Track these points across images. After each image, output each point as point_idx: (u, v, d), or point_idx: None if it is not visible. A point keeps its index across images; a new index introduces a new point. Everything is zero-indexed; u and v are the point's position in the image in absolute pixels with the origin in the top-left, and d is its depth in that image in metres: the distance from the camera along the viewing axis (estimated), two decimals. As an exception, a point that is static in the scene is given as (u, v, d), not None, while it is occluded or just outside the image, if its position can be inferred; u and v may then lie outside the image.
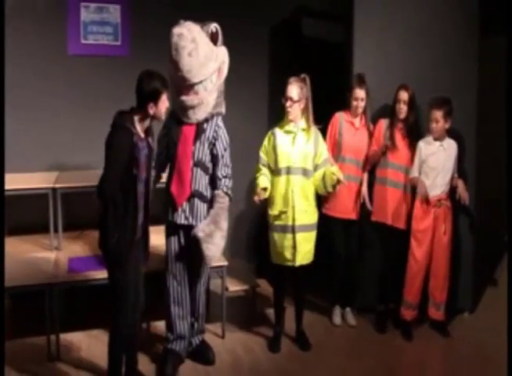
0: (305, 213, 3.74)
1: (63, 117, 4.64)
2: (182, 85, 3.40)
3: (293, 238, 3.73)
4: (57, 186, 4.12)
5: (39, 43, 4.52)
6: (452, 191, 4.07)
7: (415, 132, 4.08)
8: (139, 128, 3.07)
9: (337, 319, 4.34)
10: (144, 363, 3.62)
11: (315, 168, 3.75)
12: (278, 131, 3.78)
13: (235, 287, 4.28)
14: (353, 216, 4.19)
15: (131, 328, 3.29)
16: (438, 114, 3.92)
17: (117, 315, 3.15)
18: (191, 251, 3.57)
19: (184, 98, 3.41)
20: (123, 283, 3.11)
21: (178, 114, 3.49)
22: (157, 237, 3.85)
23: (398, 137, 4.09)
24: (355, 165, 4.14)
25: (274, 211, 3.79)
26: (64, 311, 4.09)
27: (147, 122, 3.10)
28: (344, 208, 4.15)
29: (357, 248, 4.29)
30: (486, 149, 4.41)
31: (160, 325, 4.16)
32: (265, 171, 3.82)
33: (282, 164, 3.73)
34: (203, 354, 3.76)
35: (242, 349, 3.96)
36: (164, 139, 3.55)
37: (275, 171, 3.78)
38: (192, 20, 3.43)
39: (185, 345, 3.72)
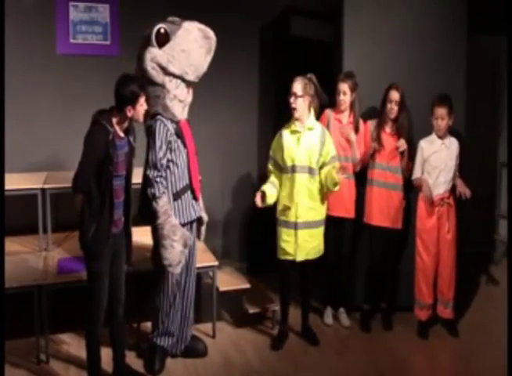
0: (310, 210, 3.78)
1: (51, 117, 4.62)
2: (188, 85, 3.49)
3: (295, 235, 3.77)
4: (46, 186, 4.09)
5: (27, 42, 4.49)
6: (454, 189, 4.06)
7: (404, 132, 4.08)
8: (117, 128, 3.10)
9: (329, 320, 4.34)
10: (135, 363, 3.62)
11: (322, 165, 3.78)
12: (284, 131, 3.83)
13: (225, 287, 4.27)
14: (344, 214, 4.16)
15: (117, 323, 3.35)
16: (443, 111, 3.93)
17: (91, 308, 3.19)
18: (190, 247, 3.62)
19: (188, 97, 3.52)
20: (98, 276, 3.15)
21: (175, 114, 3.43)
22: (145, 238, 3.85)
23: (386, 137, 4.10)
24: (344, 162, 4.10)
25: (280, 206, 3.86)
26: (53, 311, 4.06)
27: (125, 122, 3.13)
28: (333, 205, 4.12)
29: (349, 248, 4.28)
30: (475, 147, 4.44)
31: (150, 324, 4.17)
32: (272, 178, 3.89)
33: (288, 163, 3.78)
34: (194, 347, 3.77)
35: (233, 349, 3.95)
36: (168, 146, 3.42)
37: (283, 170, 3.83)
38: (180, 18, 3.45)
39: (174, 341, 3.72)
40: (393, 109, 4.04)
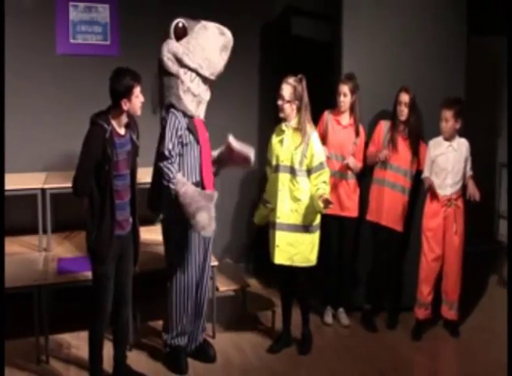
0: (292, 212, 3.67)
1: (51, 116, 4.62)
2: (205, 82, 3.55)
3: (274, 235, 3.73)
4: (46, 186, 4.09)
5: (27, 42, 4.49)
6: (464, 191, 4.03)
7: (415, 134, 4.09)
8: (116, 125, 3.08)
9: (329, 319, 4.35)
10: (135, 363, 3.61)
11: (310, 170, 3.68)
12: (275, 131, 3.83)
13: (225, 287, 4.26)
14: (347, 213, 4.16)
15: (121, 325, 3.36)
16: (448, 114, 3.92)
17: (95, 309, 3.19)
18: (206, 243, 3.64)
19: (204, 94, 3.56)
20: (103, 279, 3.15)
21: (187, 106, 3.46)
22: (149, 236, 3.85)
23: (399, 139, 4.10)
24: (341, 161, 4.11)
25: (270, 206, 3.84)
26: (53, 312, 4.06)
27: (124, 118, 3.10)
28: (337, 205, 4.10)
29: (351, 248, 4.29)
30: (475, 147, 4.43)
31: (151, 324, 4.17)
32: (262, 208, 3.90)
33: (273, 162, 3.78)
34: (204, 352, 3.78)
35: (232, 349, 3.95)
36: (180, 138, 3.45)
37: (273, 168, 3.81)
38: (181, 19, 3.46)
39: (187, 340, 3.73)
40: (403, 111, 4.04)
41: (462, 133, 4.31)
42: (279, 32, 5.21)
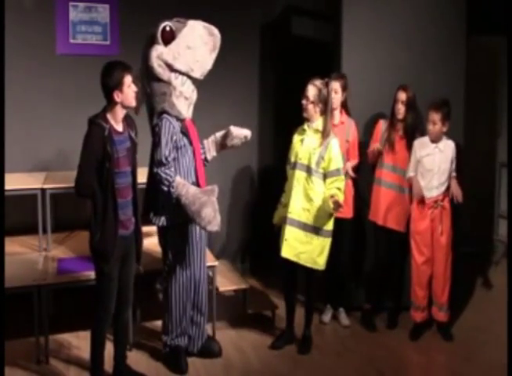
0: (304, 211, 3.71)
1: (51, 116, 4.62)
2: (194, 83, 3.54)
3: (284, 228, 3.76)
4: (46, 186, 4.09)
5: (27, 42, 4.49)
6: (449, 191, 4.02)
7: (412, 133, 4.07)
8: (113, 121, 3.05)
9: (326, 318, 4.35)
10: (136, 361, 3.62)
11: (326, 174, 3.71)
12: (299, 129, 3.86)
13: (225, 287, 4.27)
14: (341, 214, 4.15)
15: (122, 325, 3.35)
16: (436, 117, 3.89)
17: (98, 309, 3.18)
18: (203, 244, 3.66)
19: (193, 95, 3.55)
20: (107, 279, 3.13)
21: (180, 111, 3.46)
22: (150, 236, 3.85)
23: (396, 138, 4.09)
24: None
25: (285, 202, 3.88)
26: (53, 312, 4.06)
27: (119, 112, 3.06)
28: None
29: (349, 248, 4.29)
30: (475, 147, 4.44)
31: (151, 325, 4.17)
32: (280, 208, 3.93)
33: (291, 159, 3.82)
34: (208, 349, 3.80)
35: (232, 349, 3.95)
36: (174, 142, 3.45)
37: (291, 165, 3.85)
38: (181, 18, 3.48)
39: (187, 340, 3.74)
40: (400, 109, 4.03)
41: (463, 133, 4.31)
42: (279, 32, 5.21)
